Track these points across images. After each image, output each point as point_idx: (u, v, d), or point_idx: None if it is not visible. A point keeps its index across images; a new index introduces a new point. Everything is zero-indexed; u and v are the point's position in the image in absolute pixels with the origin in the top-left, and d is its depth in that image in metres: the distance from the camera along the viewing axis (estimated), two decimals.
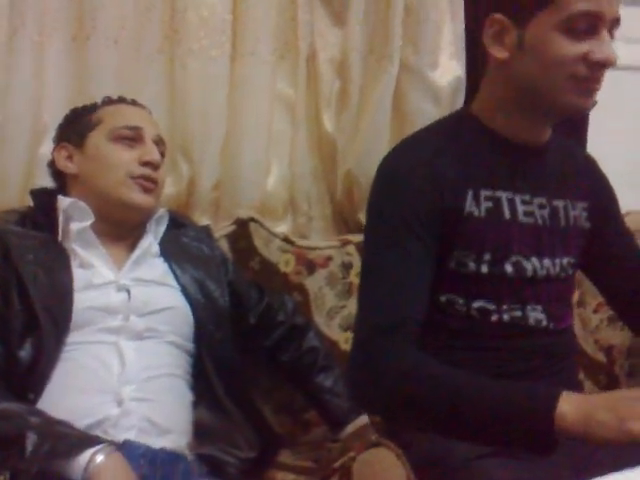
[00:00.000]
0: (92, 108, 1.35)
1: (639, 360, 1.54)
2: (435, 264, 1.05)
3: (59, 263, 1.20)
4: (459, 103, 1.64)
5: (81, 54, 1.54)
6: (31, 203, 1.33)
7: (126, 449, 1.07)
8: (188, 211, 1.60)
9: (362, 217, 1.61)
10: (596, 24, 1.00)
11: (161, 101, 1.57)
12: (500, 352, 1.09)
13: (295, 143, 1.66)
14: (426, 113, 1.62)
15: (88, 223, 1.24)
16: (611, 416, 0.83)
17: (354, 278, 1.54)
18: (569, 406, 0.86)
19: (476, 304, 1.08)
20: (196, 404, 1.24)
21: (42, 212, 1.28)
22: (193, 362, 1.27)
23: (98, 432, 1.10)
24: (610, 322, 1.56)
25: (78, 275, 1.20)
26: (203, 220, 1.59)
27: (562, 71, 1.01)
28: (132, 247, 1.29)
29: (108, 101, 1.36)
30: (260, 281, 1.48)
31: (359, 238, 1.48)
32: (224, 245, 1.51)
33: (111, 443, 1.05)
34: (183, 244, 1.36)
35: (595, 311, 1.60)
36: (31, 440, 1.00)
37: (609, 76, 1.05)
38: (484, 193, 1.08)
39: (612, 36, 1.03)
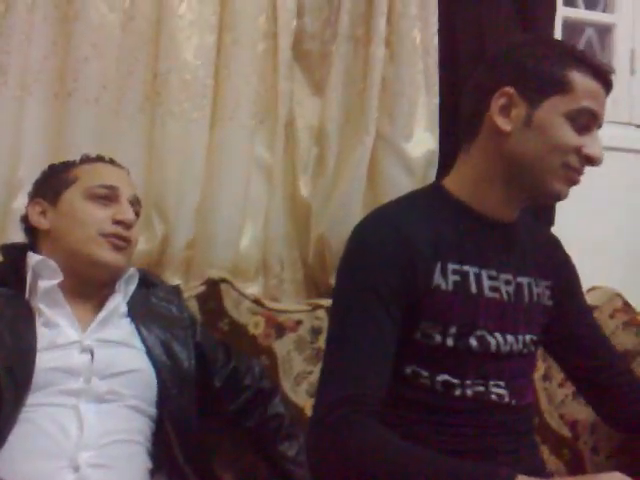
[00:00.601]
0: (70, 165, 1.35)
1: (603, 436, 1.55)
2: (400, 335, 1.06)
3: (24, 322, 1.19)
4: (432, 175, 1.68)
5: (62, 111, 1.55)
6: (1, 258, 1.32)
7: None
8: (159, 269, 1.59)
9: (333, 281, 1.61)
10: (592, 123, 1.07)
11: (139, 159, 1.58)
12: (462, 428, 1.08)
13: (270, 206, 1.67)
14: (399, 183, 1.65)
15: (56, 282, 1.23)
16: None
17: (322, 344, 1.53)
18: None
19: (440, 377, 1.08)
20: (154, 472, 1.21)
21: (11, 268, 1.27)
22: (154, 427, 1.24)
23: None
24: (575, 397, 1.57)
25: (42, 334, 1.19)
26: (174, 279, 1.58)
27: (559, 157, 1.06)
28: (100, 306, 1.28)
29: (86, 159, 1.36)
30: (229, 342, 1.47)
31: (329, 302, 1.48)
32: (193, 305, 1.49)
33: None
34: (152, 304, 1.35)
35: (560, 385, 1.60)
36: None
37: None
38: (452, 267, 1.09)
39: None
